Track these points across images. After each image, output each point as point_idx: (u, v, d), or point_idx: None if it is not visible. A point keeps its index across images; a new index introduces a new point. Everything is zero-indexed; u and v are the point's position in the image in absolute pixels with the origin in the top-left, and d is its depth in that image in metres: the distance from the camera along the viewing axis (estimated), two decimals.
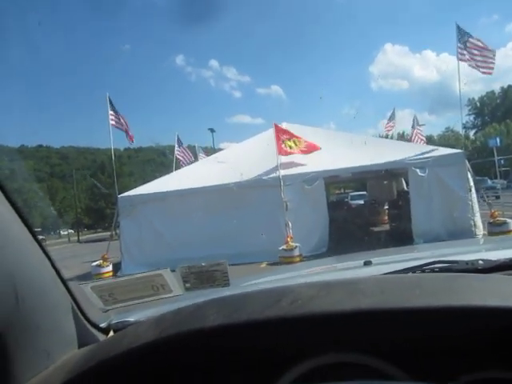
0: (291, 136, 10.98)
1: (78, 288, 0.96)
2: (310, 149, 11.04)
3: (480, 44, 10.27)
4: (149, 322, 0.63)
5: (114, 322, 1.01)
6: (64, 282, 0.86)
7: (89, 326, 0.92)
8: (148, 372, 0.57)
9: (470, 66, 10.43)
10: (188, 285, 0.93)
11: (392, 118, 19.65)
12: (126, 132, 12.49)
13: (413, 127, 17.52)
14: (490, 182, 24.40)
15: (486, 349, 0.52)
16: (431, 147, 12.19)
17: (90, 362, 0.60)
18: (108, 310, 0.97)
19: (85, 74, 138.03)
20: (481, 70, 10.37)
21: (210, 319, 0.55)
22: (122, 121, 12.28)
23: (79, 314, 0.89)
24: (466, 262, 1.06)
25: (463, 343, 0.53)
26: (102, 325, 0.98)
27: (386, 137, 19.21)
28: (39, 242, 0.82)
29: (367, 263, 1.37)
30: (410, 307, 0.51)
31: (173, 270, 0.97)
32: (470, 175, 10.26)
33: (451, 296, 0.53)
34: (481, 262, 1.05)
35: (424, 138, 17.30)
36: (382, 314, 0.51)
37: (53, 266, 0.84)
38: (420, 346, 0.54)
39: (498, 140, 16.28)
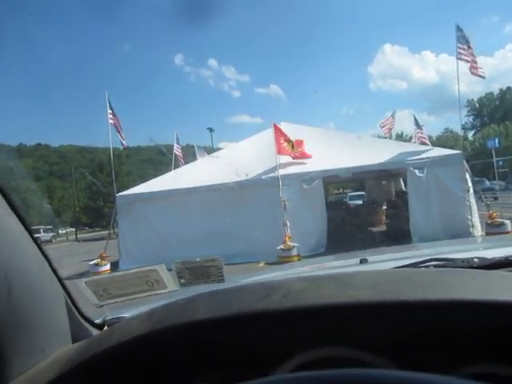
0: (288, 140, 10.99)
1: (73, 284, 0.96)
2: (302, 156, 11.06)
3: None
4: (140, 316, 0.62)
5: (108, 317, 1.01)
6: (58, 277, 0.86)
7: (83, 321, 0.91)
8: (139, 366, 0.57)
9: (472, 73, 10.45)
10: (183, 280, 0.93)
11: (393, 116, 19.58)
12: (120, 134, 12.52)
13: (415, 128, 17.33)
14: (488, 183, 24.48)
15: (477, 343, 0.52)
16: (430, 148, 12.21)
17: (82, 357, 0.60)
18: (102, 306, 0.97)
19: (84, 73, 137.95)
20: (476, 72, 10.43)
21: (200, 312, 0.55)
22: (115, 123, 12.31)
23: (74, 309, 0.88)
24: (462, 260, 1.06)
25: (457, 337, 0.53)
26: (97, 321, 0.98)
27: (385, 137, 19.13)
28: (34, 239, 0.82)
29: (363, 261, 1.37)
30: (400, 300, 0.51)
31: (169, 269, 0.97)
32: (468, 176, 10.27)
33: (442, 289, 0.53)
34: (476, 259, 1.05)
35: (427, 142, 17.03)
36: (373, 307, 0.51)
37: (47, 261, 0.84)
38: (413, 340, 0.54)
39: (496, 141, 16.32)
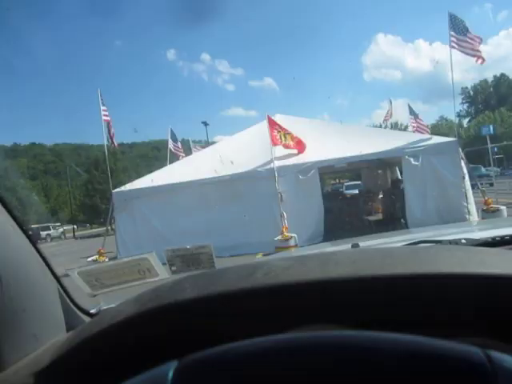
0: (283, 130, 10.97)
1: (66, 275, 0.97)
2: (299, 148, 11.05)
3: (470, 34, 10.23)
4: (130, 299, 0.64)
5: (103, 307, 1.02)
6: (51, 268, 0.87)
7: (77, 310, 0.93)
8: (129, 348, 0.58)
9: (461, 51, 10.32)
10: (174, 268, 0.94)
11: (390, 107, 19.59)
12: (109, 134, 12.44)
13: (412, 118, 17.22)
14: (483, 169, 24.59)
15: (455, 316, 0.53)
16: (425, 136, 12.24)
17: (74, 342, 0.61)
18: (96, 295, 0.98)
19: (76, 69, 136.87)
20: (475, 58, 10.33)
21: (186, 292, 0.56)
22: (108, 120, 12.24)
23: (67, 299, 0.90)
24: (449, 241, 1.08)
25: (435, 310, 0.54)
26: (92, 310, 0.99)
27: (380, 126, 19.17)
28: (25, 232, 0.83)
29: (354, 246, 1.39)
30: (379, 275, 0.52)
31: (164, 264, 0.98)
32: (463, 163, 10.31)
33: (421, 264, 0.54)
34: (463, 240, 1.07)
35: (428, 129, 16.76)
36: (353, 282, 0.52)
37: (38, 253, 0.85)
38: (396, 316, 0.56)
39: (491, 128, 16.39)
